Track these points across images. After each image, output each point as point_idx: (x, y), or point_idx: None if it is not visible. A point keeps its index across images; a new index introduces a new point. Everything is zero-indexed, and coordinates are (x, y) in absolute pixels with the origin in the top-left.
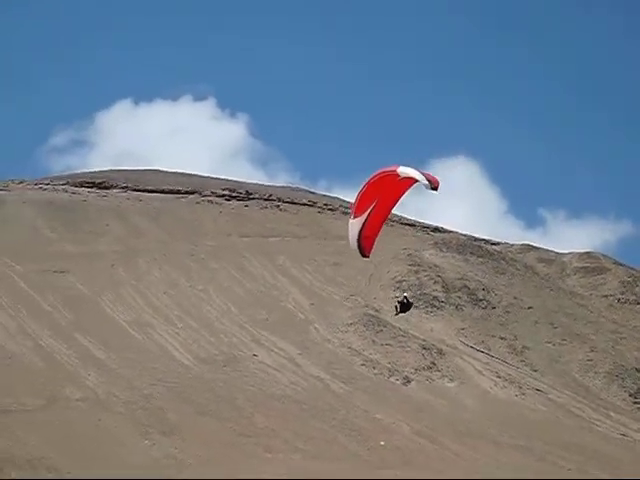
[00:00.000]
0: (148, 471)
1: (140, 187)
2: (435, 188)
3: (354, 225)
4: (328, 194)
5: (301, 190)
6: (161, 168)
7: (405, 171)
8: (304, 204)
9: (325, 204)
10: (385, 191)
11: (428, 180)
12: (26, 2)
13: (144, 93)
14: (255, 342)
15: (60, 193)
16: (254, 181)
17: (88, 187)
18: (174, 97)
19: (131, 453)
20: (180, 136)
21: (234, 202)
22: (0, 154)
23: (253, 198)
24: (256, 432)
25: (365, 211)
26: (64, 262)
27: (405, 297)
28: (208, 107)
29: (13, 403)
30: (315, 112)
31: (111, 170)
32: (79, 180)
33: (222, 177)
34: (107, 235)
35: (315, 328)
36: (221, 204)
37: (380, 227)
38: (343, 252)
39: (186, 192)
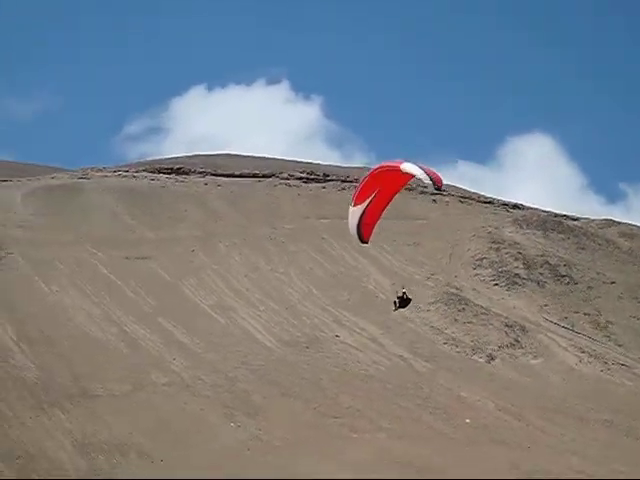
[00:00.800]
0: (234, 453)
1: (218, 172)
2: (439, 188)
3: (355, 213)
4: None
5: None
6: (238, 152)
7: (408, 169)
8: None
9: None
10: (386, 182)
11: (432, 180)
12: None
13: (218, 78)
14: (337, 323)
15: (139, 180)
16: (330, 163)
17: (166, 173)
18: (248, 81)
19: (217, 436)
20: (255, 120)
21: (312, 184)
22: (77, 143)
23: (330, 180)
24: (341, 412)
25: (365, 200)
26: (145, 248)
27: (404, 292)
28: (282, 90)
29: (100, 388)
30: (389, 92)
31: (189, 156)
32: (157, 166)
33: (299, 160)
34: (186, 220)
35: None
36: (299, 186)
37: (379, 215)
38: (422, 232)
39: (263, 175)
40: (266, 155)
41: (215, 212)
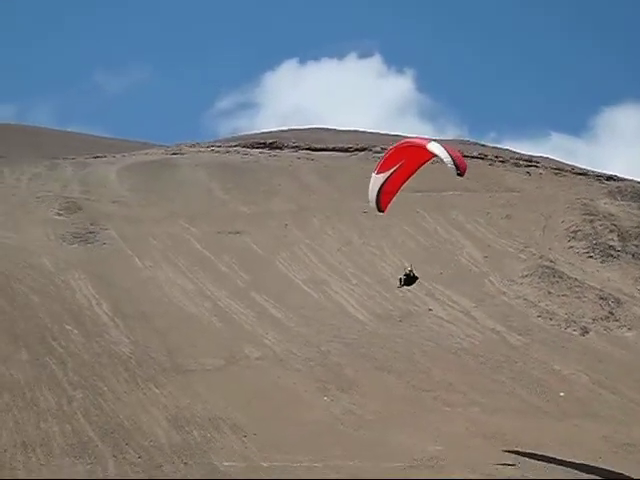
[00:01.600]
0: (327, 427)
1: (311, 146)
2: (461, 174)
3: (377, 180)
4: (498, 146)
5: (471, 143)
6: (330, 126)
7: (435, 149)
8: (474, 157)
9: (496, 156)
10: (411, 156)
11: (456, 165)
12: None
13: (310, 52)
14: (430, 296)
15: (232, 155)
16: (424, 135)
17: (259, 148)
18: (340, 55)
19: (310, 410)
20: (347, 94)
21: None
22: (170, 119)
23: None
24: (434, 386)
25: (389, 169)
26: (238, 223)
27: (411, 270)
28: (374, 63)
29: (193, 363)
30: (481, 63)
31: (281, 130)
32: (250, 141)
33: (392, 133)
34: (279, 195)
35: (490, 281)
36: None
37: (401, 185)
38: (515, 204)
39: (356, 149)
40: (359, 129)
41: (308, 186)
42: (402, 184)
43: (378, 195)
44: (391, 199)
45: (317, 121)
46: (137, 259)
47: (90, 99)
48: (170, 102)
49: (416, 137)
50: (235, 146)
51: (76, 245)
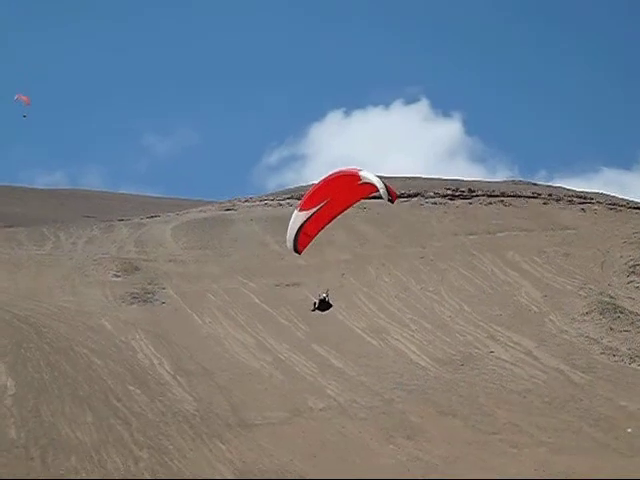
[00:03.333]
0: (394, 474)
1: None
2: (392, 201)
3: (297, 218)
4: (551, 184)
5: (523, 183)
6: (380, 174)
7: (367, 176)
8: (528, 196)
9: (549, 195)
10: (339, 193)
11: (388, 191)
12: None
13: (355, 101)
14: (491, 338)
15: (284, 207)
16: (475, 178)
17: None
18: (385, 102)
19: (377, 458)
20: (395, 140)
21: (458, 201)
22: (219, 177)
23: (476, 195)
24: (499, 428)
25: (313, 207)
26: (295, 275)
27: (326, 295)
28: (421, 109)
29: (258, 417)
30: (527, 103)
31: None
32: (301, 193)
33: (443, 177)
34: (334, 245)
35: (550, 320)
36: (445, 204)
37: (322, 228)
38: (572, 242)
39: (409, 195)
40: (409, 175)
41: (362, 235)
42: (324, 226)
43: (297, 235)
44: (309, 242)
45: (367, 169)
46: (196, 316)
47: (140, 161)
48: (219, 160)
49: (346, 168)
50: (287, 199)
51: (135, 305)
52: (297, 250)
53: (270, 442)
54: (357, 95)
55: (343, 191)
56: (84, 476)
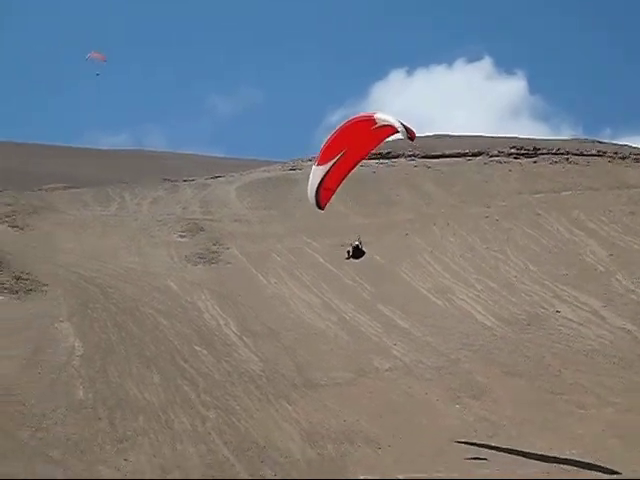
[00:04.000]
0: (461, 435)
1: (427, 153)
2: (411, 138)
3: (316, 173)
4: (616, 142)
5: (588, 141)
6: (444, 132)
7: (383, 118)
8: (593, 155)
9: (615, 153)
10: (356, 141)
11: (406, 129)
12: None
13: (417, 60)
14: (557, 298)
15: None
16: (539, 137)
17: (375, 158)
18: (448, 61)
19: (443, 418)
20: (458, 99)
21: (522, 159)
22: (283, 137)
23: (541, 154)
24: (566, 389)
25: (330, 160)
26: (359, 235)
27: (359, 243)
28: (484, 67)
29: (323, 377)
30: (591, 61)
31: (396, 139)
32: None
33: (507, 135)
34: (398, 205)
35: (617, 279)
36: (509, 162)
37: (342, 179)
38: (638, 201)
39: (473, 154)
40: (473, 133)
41: (427, 194)
42: (344, 178)
43: (317, 190)
44: (331, 196)
45: (429, 129)
46: (261, 276)
47: (204, 122)
48: (281, 121)
49: (360, 114)
50: None
51: (200, 266)
52: (320, 206)
53: (336, 402)
54: (419, 54)
55: (359, 138)
56: (152, 436)
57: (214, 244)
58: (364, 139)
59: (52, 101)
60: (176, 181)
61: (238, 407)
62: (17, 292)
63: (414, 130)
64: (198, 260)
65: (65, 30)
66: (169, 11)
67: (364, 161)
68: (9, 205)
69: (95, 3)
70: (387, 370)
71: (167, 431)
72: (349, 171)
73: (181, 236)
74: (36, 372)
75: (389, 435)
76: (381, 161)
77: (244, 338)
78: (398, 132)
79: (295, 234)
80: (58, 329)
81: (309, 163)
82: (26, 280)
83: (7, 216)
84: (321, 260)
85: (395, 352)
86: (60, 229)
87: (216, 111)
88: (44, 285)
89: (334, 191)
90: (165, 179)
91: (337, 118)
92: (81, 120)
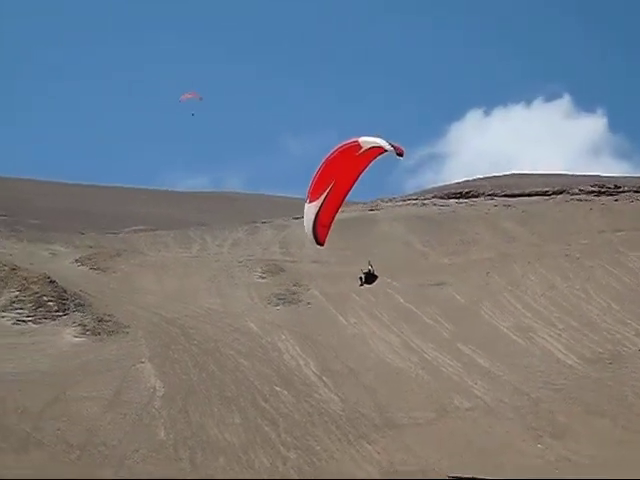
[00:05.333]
0: (544, 474)
1: (506, 192)
2: (400, 155)
3: (310, 211)
4: None
5: None
6: (523, 171)
7: (368, 140)
8: None
9: None
10: (342, 170)
11: (393, 147)
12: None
13: (494, 99)
14: (639, 337)
15: (428, 207)
16: (620, 174)
17: (455, 198)
18: (526, 100)
19: (525, 458)
20: (537, 137)
21: (603, 197)
22: (365, 178)
23: (623, 191)
24: None
25: (321, 195)
26: (439, 274)
27: (370, 266)
28: (562, 105)
29: (404, 417)
30: None
31: (476, 179)
32: (445, 192)
33: (588, 173)
34: (479, 244)
35: None
36: (590, 200)
37: (335, 213)
38: None
39: (553, 192)
40: (553, 172)
41: (507, 233)
42: (336, 212)
43: (314, 228)
44: (328, 231)
45: (507, 168)
46: (341, 316)
47: (280, 162)
48: None
49: (342, 142)
50: (431, 197)
51: (280, 306)
52: (319, 243)
53: (417, 442)
54: (497, 93)
55: (346, 167)
56: (232, 476)
57: (294, 285)
58: (350, 167)
59: (131, 144)
60: (256, 222)
61: (318, 447)
62: (99, 334)
63: (402, 147)
64: (278, 301)
65: (148, 74)
66: (244, 57)
67: (443, 201)
68: (91, 247)
69: (177, 52)
70: (468, 409)
71: (248, 471)
72: (340, 204)
73: (261, 277)
74: (118, 413)
75: (471, 474)
76: (460, 200)
77: (324, 378)
78: (386, 152)
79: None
80: (140, 370)
81: (389, 204)
82: (108, 322)
83: (89, 259)
84: (401, 300)
85: (476, 391)
86: (141, 271)
87: (291, 152)
88: (126, 327)
89: (329, 227)
90: (245, 221)
91: (414, 158)
92: (159, 162)
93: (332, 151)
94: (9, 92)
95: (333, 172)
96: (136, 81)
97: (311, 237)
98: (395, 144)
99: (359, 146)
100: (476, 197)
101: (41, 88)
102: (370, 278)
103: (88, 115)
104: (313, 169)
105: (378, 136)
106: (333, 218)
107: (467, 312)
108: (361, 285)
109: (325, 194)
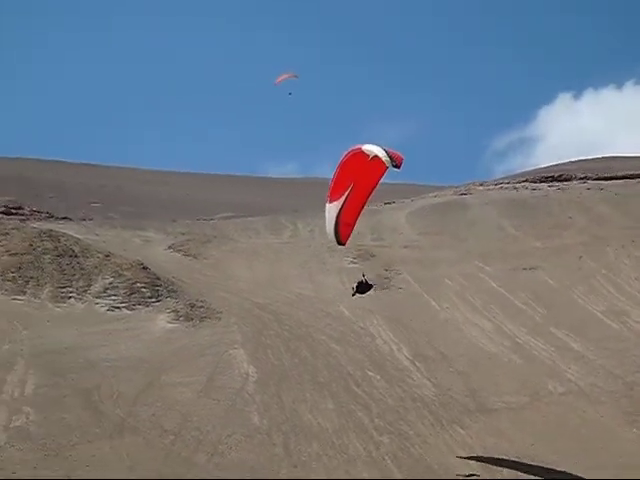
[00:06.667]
0: (638, 460)
1: (599, 175)
2: (397, 166)
3: (331, 210)
4: None
5: None
6: (615, 154)
7: (369, 149)
8: None
9: None
10: (360, 173)
11: (390, 157)
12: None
13: (585, 83)
14: None
15: (520, 191)
16: None
17: (547, 182)
18: (617, 83)
19: (620, 443)
20: (627, 120)
21: None
22: (447, 162)
23: None
24: None
25: (342, 195)
26: (531, 259)
27: (363, 276)
28: None
29: (497, 402)
30: None
31: (568, 162)
32: (538, 176)
33: None
34: (571, 227)
35: None
36: None
37: (359, 213)
38: None
39: None
40: None
41: (600, 216)
42: (360, 210)
43: (336, 227)
44: (351, 231)
45: (598, 151)
46: (433, 301)
47: None
48: (447, 146)
49: (350, 148)
50: (523, 181)
51: (372, 292)
52: (340, 242)
53: (510, 427)
54: (587, 76)
55: (362, 171)
56: (326, 462)
57: (385, 270)
58: (367, 172)
59: (223, 132)
60: None
61: (412, 432)
62: (192, 319)
63: (401, 155)
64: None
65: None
66: (336, 43)
67: (535, 184)
68: (183, 234)
69: (274, 40)
70: (561, 394)
71: (341, 456)
72: (364, 203)
73: (352, 262)
74: (212, 398)
75: (565, 460)
76: (553, 184)
77: (416, 363)
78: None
79: (467, 259)
80: (232, 356)
81: (480, 188)
82: (200, 308)
83: (181, 245)
84: (494, 285)
85: (569, 375)
86: (232, 257)
87: (380, 137)
88: (218, 312)
89: (353, 225)
90: None
91: (502, 143)
92: (250, 150)
93: (343, 157)
94: (119, 90)
95: (351, 175)
96: (227, 71)
97: (332, 236)
98: (395, 153)
99: (364, 153)
100: (568, 180)
101: (140, 85)
102: (363, 288)
103: (181, 104)
104: (406, 153)
105: (377, 146)
106: (357, 217)
107: (560, 296)
108: (353, 295)
109: (346, 194)
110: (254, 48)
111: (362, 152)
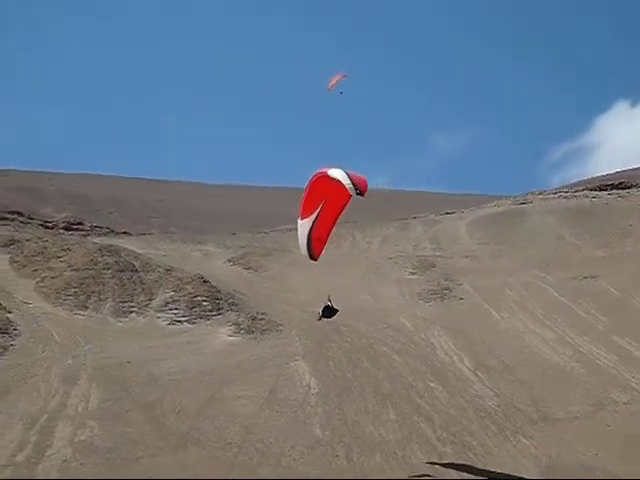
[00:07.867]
0: None
1: None
2: (361, 193)
3: (303, 226)
4: None
5: None
6: None
7: (333, 175)
8: None
9: None
10: (329, 193)
11: (354, 184)
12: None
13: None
14: None
15: (580, 199)
16: None
17: (607, 189)
18: None
19: None
20: None
21: None
22: (505, 173)
23: None
24: None
25: (313, 212)
26: (593, 267)
27: (329, 301)
28: None
29: (560, 411)
30: None
31: (629, 169)
32: (597, 184)
33: None
34: (633, 235)
35: None
36: None
37: (331, 229)
38: None
39: None
40: None
41: None
42: (331, 227)
43: (309, 243)
44: (323, 246)
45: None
46: (494, 311)
47: (426, 159)
48: (502, 156)
49: (321, 168)
50: (582, 190)
51: (432, 302)
52: (313, 257)
53: (574, 437)
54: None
55: (330, 191)
56: (389, 473)
57: (445, 280)
58: (335, 192)
59: (280, 145)
60: (406, 219)
61: (475, 443)
62: (253, 332)
63: (365, 181)
64: (430, 297)
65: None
66: (389, 56)
67: (595, 192)
68: (242, 247)
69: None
70: (625, 403)
71: (405, 468)
72: (335, 220)
73: (412, 273)
74: (274, 411)
75: (631, 470)
76: (612, 192)
77: (478, 373)
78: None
79: (527, 268)
80: (294, 368)
81: (540, 197)
82: (261, 320)
83: (241, 258)
84: (554, 294)
85: (633, 384)
86: (292, 269)
87: (436, 148)
88: (279, 325)
89: (325, 240)
90: (395, 217)
91: (558, 153)
92: (306, 162)
93: (311, 177)
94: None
95: (320, 194)
96: (285, 82)
97: (304, 251)
98: (359, 178)
99: (330, 177)
100: (629, 188)
101: (195, 90)
102: (328, 312)
103: (239, 117)
104: (458, 164)
105: (341, 171)
106: (328, 233)
107: (622, 304)
108: (319, 319)
109: (317, 211)
110: (311, 56)
111: (328, 176)
